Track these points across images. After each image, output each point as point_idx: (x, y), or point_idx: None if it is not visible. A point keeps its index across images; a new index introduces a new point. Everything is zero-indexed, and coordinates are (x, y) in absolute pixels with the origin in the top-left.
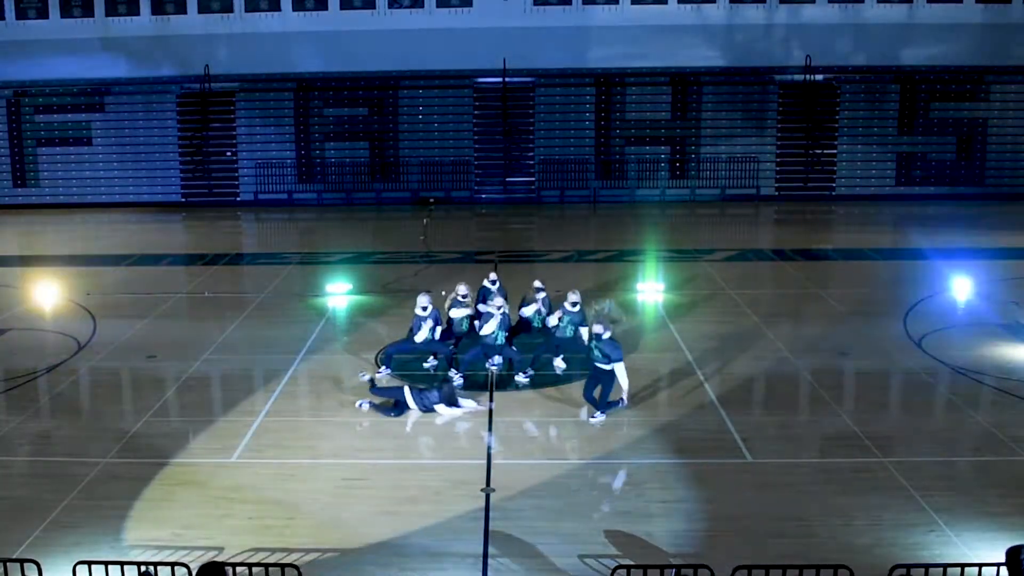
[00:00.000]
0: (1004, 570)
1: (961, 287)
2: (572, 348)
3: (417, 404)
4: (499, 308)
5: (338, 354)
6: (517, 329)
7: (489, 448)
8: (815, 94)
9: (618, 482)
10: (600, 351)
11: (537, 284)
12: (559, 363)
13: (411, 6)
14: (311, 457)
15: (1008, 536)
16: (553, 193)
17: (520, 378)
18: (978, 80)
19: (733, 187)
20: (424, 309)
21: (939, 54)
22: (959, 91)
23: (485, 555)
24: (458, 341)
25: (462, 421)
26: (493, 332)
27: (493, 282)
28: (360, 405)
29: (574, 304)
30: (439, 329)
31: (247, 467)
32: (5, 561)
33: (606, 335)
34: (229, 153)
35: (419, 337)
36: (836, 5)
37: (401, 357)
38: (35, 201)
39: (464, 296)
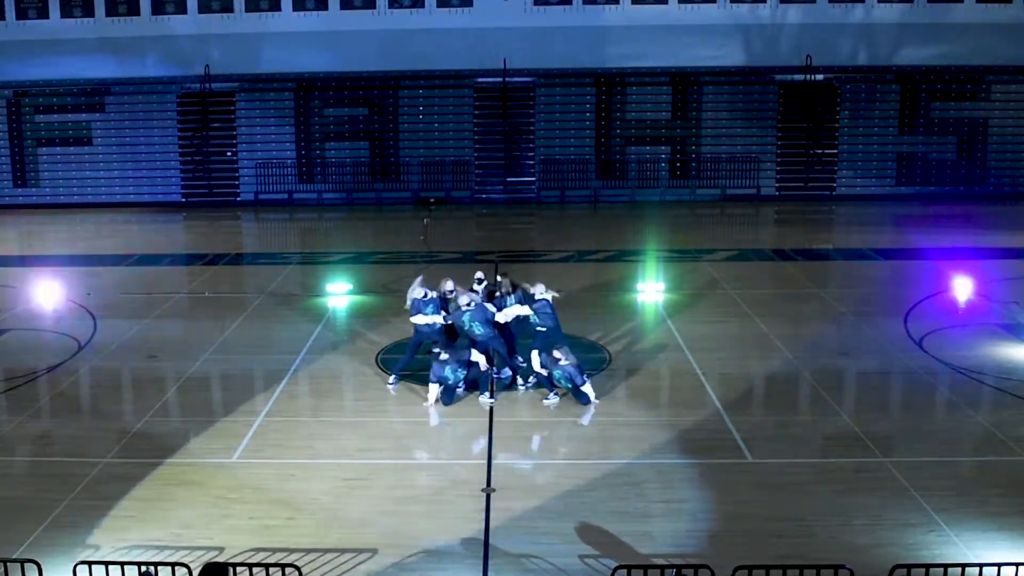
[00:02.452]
0: (1005, 570)
1: (961, 287)
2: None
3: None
4: (467, 304)
5: (338, 354)
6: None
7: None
8: (815, 94)
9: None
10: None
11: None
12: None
13: (411, 6)
14: (311, 457)
15: (1008, 536)
16: (553, 193)
17: (501, 377)
18: (978, 80)
19: (733, 187)
20: (425, 295)
21: (939, 54)
22: (959, 91)
23: (485, 555)
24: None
25: (462, 422)
26: (467, 326)
27: (479, 281)
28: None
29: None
30: (441, 316)
31: (247, 467)
32: (5, 561)
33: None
34: (229, 153)
35: (419, 320)
36: (836, 5)
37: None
38: (35, 201)
39: (451, 292)
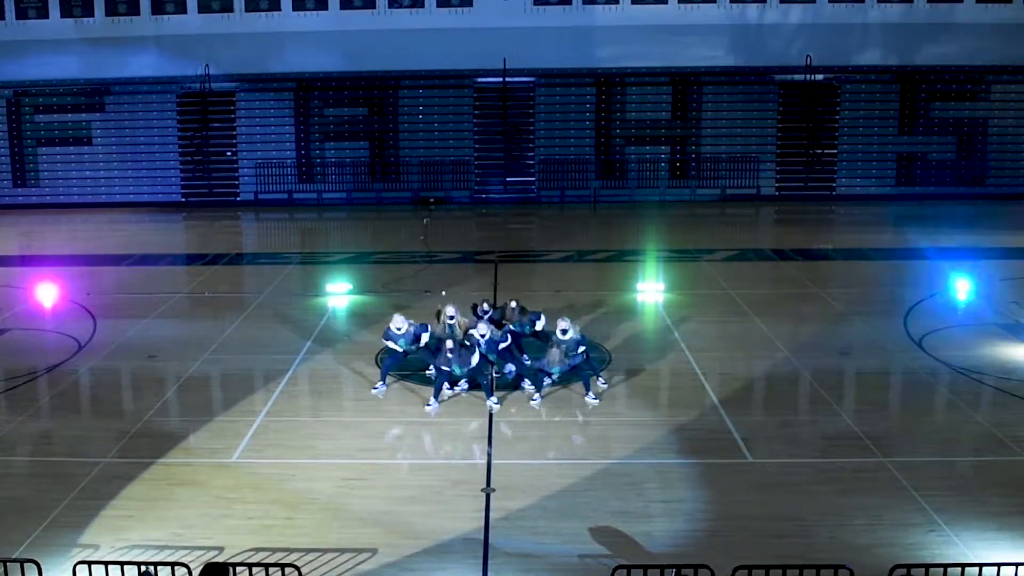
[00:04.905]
0: (1005, 570)
1: (961, 287)
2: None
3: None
4: (483, 335)
5: (338, 354)
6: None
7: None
8: (815, 94)
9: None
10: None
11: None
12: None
13: (411, 6)
14: (311, 457)
15: (1008, 536)
16: (553, 193)
17: (491, 402)
18: (978, 80)
19: (733, 187)
20: (399, 329)
21: (939, 54)
22: (959, 91)
23: (485, 555)
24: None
25: (462, 422)
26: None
27: (484, 312)
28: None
29: (563, 331)
30: (420, 340)
31: (247, 467)
32: (5, 561)
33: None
34: (229, 153)
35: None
36: (836, 5)
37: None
38: (35, 201)
39: (451, 319)
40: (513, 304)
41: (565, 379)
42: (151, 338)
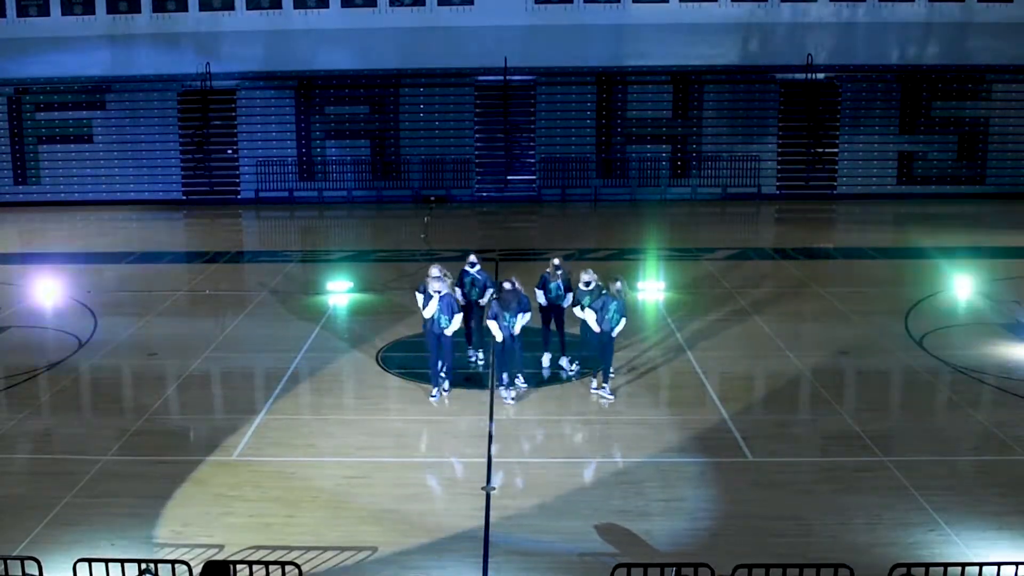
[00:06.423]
0: (1005, 570)
1: (961, 286)
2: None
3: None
4: (437, 292)
5: (339, 352)
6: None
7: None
8: (816, 93)
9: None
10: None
11: (556, 262)
12: (565, 364)
13: (412, 4)
14: (312, 455)
15: (1008, 536)
16: (554, 192)
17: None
18: (979, 79)
19: (734, 186)
20: (438, 291)
21: (940, 53)
22: (960, 90)
23: (485, 554)
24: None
25: (463, 420)
26: (433, 314)
27: (472, 264)
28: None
29: (587, 284)
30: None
31: (248, 465)
32: (6, 559)
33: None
34: (230, 151)
35: (427, 312)
36: (837, 4)
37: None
38: (36, 199)
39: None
40: (556, 261)
41: (581, 372)
42: (152, 336)
